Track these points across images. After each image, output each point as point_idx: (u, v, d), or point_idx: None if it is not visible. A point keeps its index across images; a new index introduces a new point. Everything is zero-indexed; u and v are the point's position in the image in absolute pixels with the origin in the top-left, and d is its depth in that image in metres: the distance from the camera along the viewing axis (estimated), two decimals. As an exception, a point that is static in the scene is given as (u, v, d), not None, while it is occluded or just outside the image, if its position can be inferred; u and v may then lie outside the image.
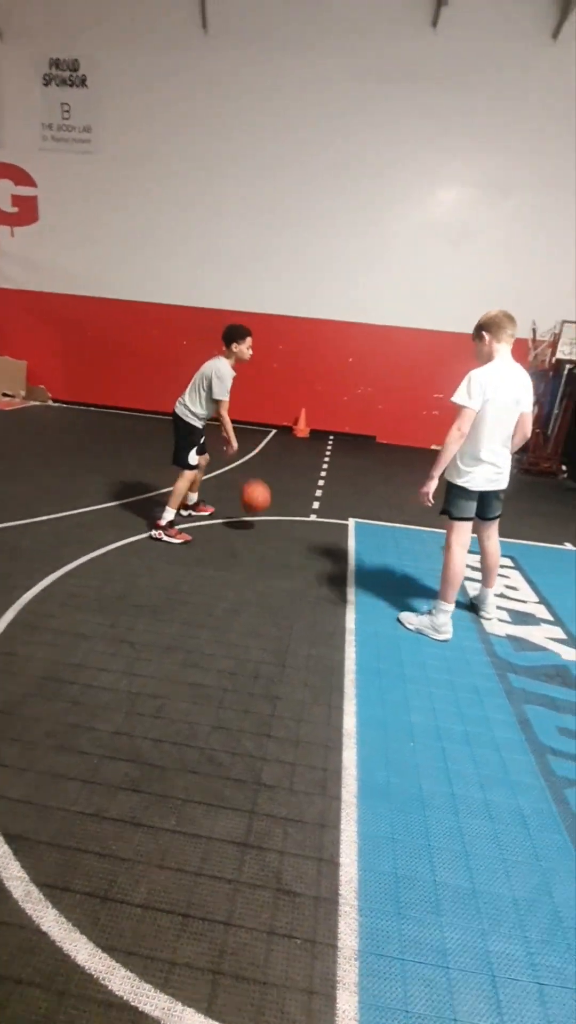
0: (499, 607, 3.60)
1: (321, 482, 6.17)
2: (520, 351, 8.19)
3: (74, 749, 2.05)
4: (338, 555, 4.18)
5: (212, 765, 2.04)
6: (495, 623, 3.40)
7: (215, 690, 2.48)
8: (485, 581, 3.46)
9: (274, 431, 8.98)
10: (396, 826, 1.87)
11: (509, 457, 3.08)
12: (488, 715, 2.52)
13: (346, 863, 1.72)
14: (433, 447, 8.94)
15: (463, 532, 3.07)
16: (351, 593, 3.58)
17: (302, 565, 3.94)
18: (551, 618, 3.55)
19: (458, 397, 2.87)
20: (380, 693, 2.59)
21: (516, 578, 4.11)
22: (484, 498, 3.10)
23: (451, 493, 3.08)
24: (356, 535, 4.61)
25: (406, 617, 3.25)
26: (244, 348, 4.03)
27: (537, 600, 3.79)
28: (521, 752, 2.31)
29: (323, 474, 6.55)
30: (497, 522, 3.32)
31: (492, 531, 3.32)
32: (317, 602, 3.42)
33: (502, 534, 5.02)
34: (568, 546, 4.98)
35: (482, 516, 3.18)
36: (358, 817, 1.89)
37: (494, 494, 3.13)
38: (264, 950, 1.44)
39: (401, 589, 3.71)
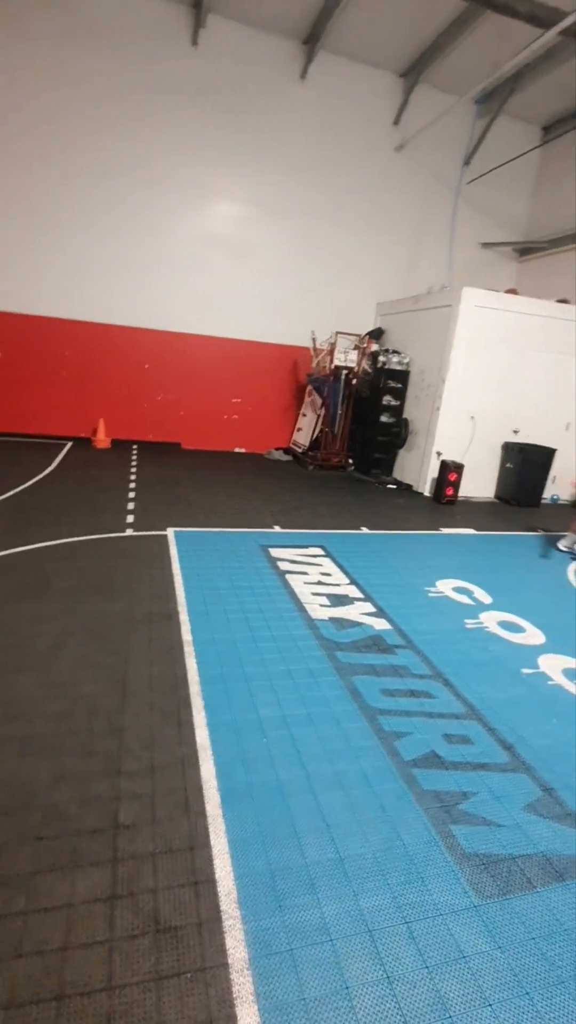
0: (317, 593, 3.91)
1: (132, 494, 5.92)
2: (304, 358, 8.96)
3: None
4: (162, 567, 4.07)
5: (59, 822, 1.83)
6: (317, 608, 3.68)
7: (48, 738, 2.22)
8: None
9: (71, 443, 8.30)
10: (263, 823, 1.92)
11: None
12: (324, 693, 2.73)
13: (222, 876, 1.70)
14: (237, 450, 9.27)
15: None
16: (182, 603, 3.52)
17: (126, 583, 3.74)
18: (362, 596, 3.98)
19: None
20: (227, 697, 2.61)
21: (328, 565, 4.51)
22: None
23: None
24: (177, 544, 4.54)
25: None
26: None
27: (348, 582, 4.21)
28: (356, 720, 2.55)
29: (132, 486, 6.29)
30: None
31: None
32: (148, 619, 3.28)
33: (307, 526, 5.46)
34: (364, 530, 5.62)
35: None
36: (225, 827, 1.88)
37: None
38: (155, 999, 1.36)
39: (229, 591, 3.78)
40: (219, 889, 1.66)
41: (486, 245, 9.81)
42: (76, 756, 2.14)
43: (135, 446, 8.61)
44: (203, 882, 1.68)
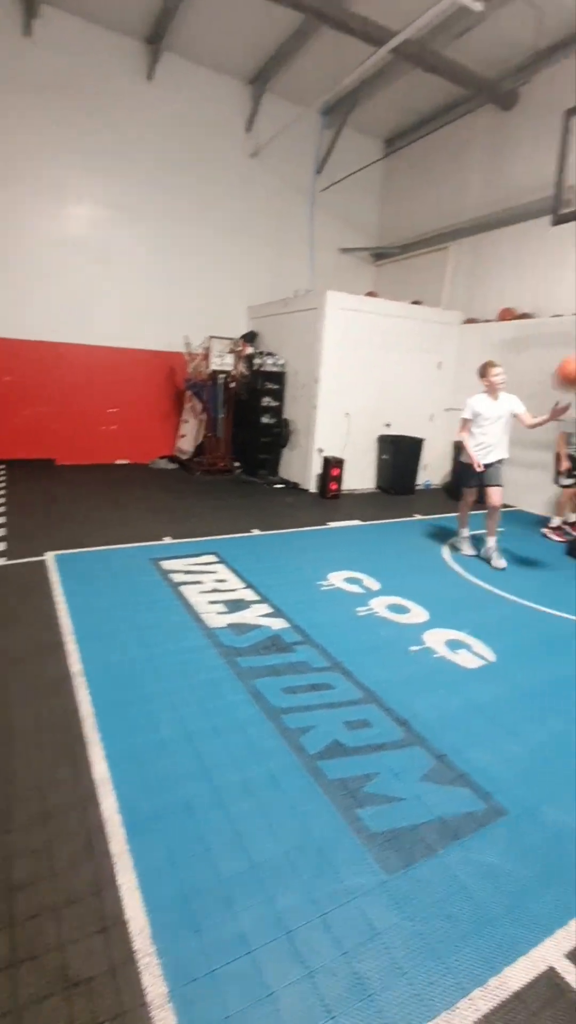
0: (214, 601, 3.88)
1: (1, 519, 5.43)
2: (180, 364, 8.81)
3: None
4: (43, 595, 3.78)
5: None
6: (214, 616, 3.65)
7: None
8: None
9: None
10: (172, 848, 1.87)
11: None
12: (227, 702, 2.72)
13: (133, 915, 1.63)
14: (119, 462, 8.88)
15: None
16: (68, 631, 3.30)
17: (2, 618, 3.43)
18: (258, 598, 4.01)
19: None
20: (126, 723, 2.50)
21: (222, 571, 4.49)
22: None
23: None
24: (59, 568, 4.25)
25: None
26: None
27: (244, 586, 4.22)
28: (260, 723, 2.57)
29: (1, 509, 5.77)
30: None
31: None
32: (33, 653, 3.04)
33: (198, 534, 5.40)
34: (255, 532, 5.67)
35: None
36: (133, 861, 1.80)
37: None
38: (67, 1064, 1.27)
39: (120, 611, 3.62)
40: (131, 928, 1.59)
41: (345, 250, 10.32)
42: (-44, 820, 1.93)
43: (3, 465, 7.92)
44: (112, 925, 1.59)
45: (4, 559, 4.38)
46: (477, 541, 5.34)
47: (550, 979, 1.53)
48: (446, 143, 9.02)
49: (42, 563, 4.35)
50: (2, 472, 7.59)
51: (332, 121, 9.43)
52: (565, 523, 6.15)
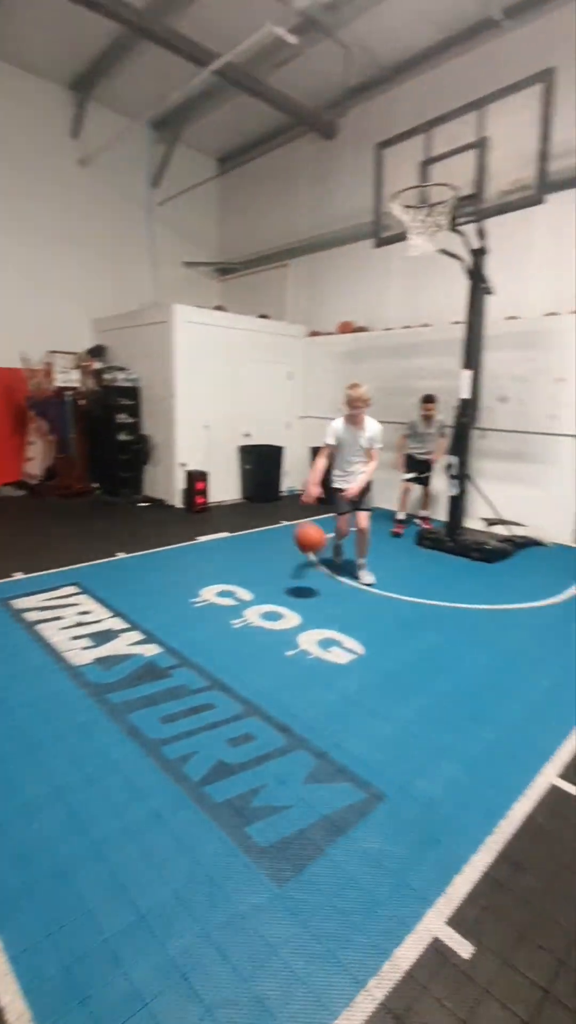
0: (77, 636, 3.60)
1: None
2: (16, 381, 8.09)
3: None
4: None
5: None
6: (79, 652, 3.39)
7: None
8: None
9: None
10: (48, 919, 1.68)
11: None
12: (99, 744, 2.53)
13: (8, 1001, 1.44)
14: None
15: None
16: None
17: None
18: (127, 625, 3.80)
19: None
20: (-20, 793, 2.20)
21: (86, 601, 4.18)
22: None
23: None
24: None
25: None
26: None
27: (111, 614, 3.98)
28: (138, 759, 2.43)
29: None
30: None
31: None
32: None
33: (55, 565, 4.98)
34: (120, 555, 5.39)
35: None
36: (4, 944, 1.59)
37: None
38: None
39: (-34, 664, 3.20)
40: (8, 1017, 1.40)
41: (188, 264, 10.32)
42: None
43: None
44: (-22, 1031, 1.38)
45: None
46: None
47: (435, 949, 1.64)
48: (276, 166, 9.47)
49: None
50: None
51: (164, 136, 9.38)
52: (412, 516, 6.74)
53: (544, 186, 4.76)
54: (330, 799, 2.21)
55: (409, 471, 6.42)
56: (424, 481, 6.54)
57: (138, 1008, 1.45)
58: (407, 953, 1.62)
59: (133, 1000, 1.46)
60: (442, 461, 6.07)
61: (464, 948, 1.64)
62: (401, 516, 6.51)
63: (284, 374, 8.65)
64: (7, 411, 8.33)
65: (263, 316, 8.87)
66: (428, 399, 6.25)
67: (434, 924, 1.71)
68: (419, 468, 6.42)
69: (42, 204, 8.34)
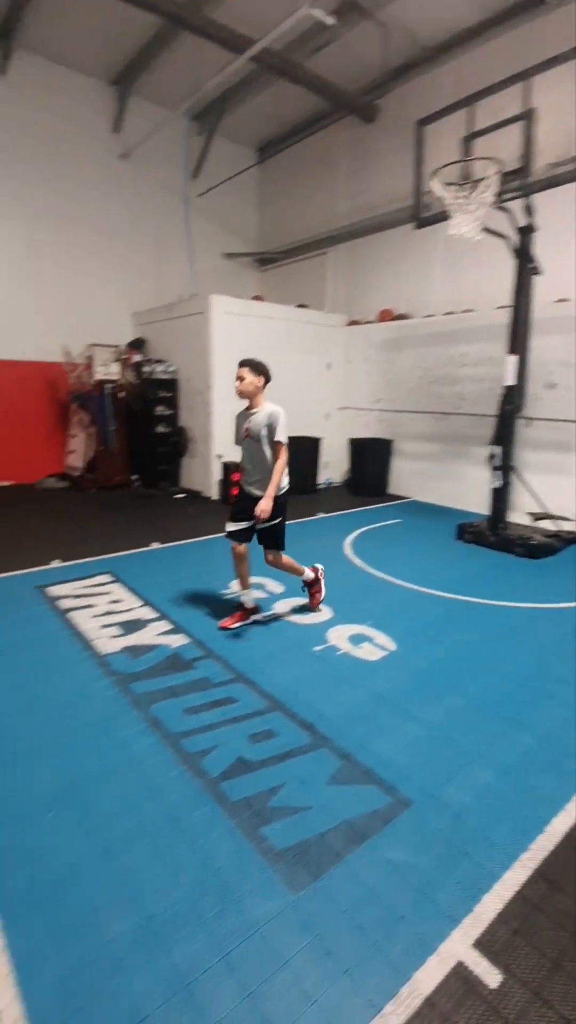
0: (107, 625, 3.61)
1: None
2: (61, 375, 8.26)
3: None
4: None
5: None
6: (107, 641, 3.38)
7: None
8: None
9: None
10: (53, 921, 1.63)
11: None
12: (122, 736, 2.50)
13: (6, 1005, 1.40)
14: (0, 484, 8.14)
15: None
16: None
17: None
18: (156, 615, 3.78)
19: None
20: (-1, 780, 2.20)
21: (118, 590, 4.20)
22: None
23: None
24: None
25: None
26: None
27: (141, 604, 3.97)
28: (158, 753, 2.38)
29: None
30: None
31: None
32: None
33: (92, 554, 5.04)
34: (155, 545, 5.41)
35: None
36: (7, 943, 1.56)
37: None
38: None
39: (-2, 650, 3.24)
40: (4, 1022, 1.36)
41: (228, 255, 10.28)
42: None
43: None
44: (-24, 1025, 1.35)
45: None
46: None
47: (459, 974, 1.50)
48: (315, 153, 9.27)
49: None
50: None
51: (202, 127, 9.35)
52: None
53: (599, 155, 4.42)
54: (352, 803, 2.10)
55: None
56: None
57: (140, 1019, 1.38)
58: (428, 976, 1.49)
59: (131, 1013, 1.39)
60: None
61: (491, 976, 1.49)
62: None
63: (323, 364, 8.49)
64: (52, 405, 8.54)
65: (302, 306, 8.73)
66: None
67: (459, 946, 1.57)
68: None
69: (85, 199, 8.46)
